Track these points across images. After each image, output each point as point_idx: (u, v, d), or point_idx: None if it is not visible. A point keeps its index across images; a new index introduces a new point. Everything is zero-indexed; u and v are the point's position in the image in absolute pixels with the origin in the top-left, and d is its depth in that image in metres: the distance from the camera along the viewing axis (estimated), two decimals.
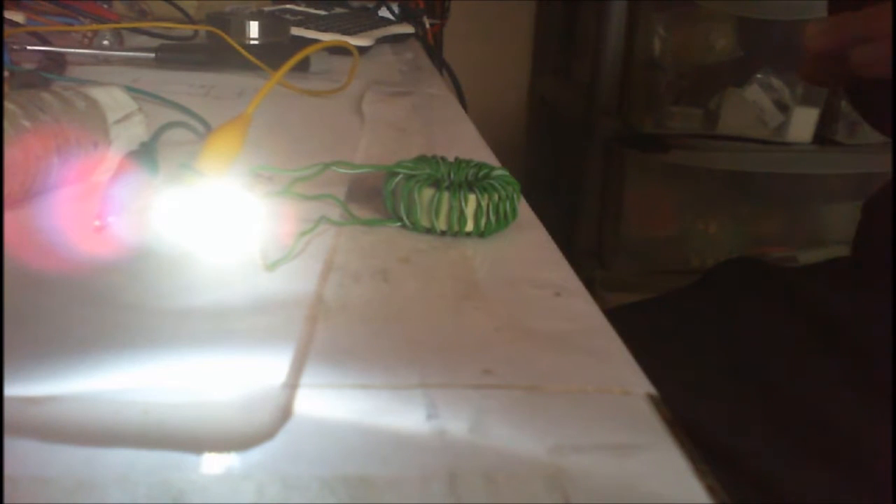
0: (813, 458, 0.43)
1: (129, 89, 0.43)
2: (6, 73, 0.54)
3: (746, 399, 0.47)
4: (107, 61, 0.69)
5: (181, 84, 0.63)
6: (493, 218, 0.35)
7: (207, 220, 0.32)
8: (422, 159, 0.37)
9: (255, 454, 0.19)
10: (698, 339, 0.54)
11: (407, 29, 0.99)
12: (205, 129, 0.48)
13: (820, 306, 0.51)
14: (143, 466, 0.19)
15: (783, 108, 1.41)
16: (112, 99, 0.40)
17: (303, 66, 0.71)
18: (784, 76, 1.40)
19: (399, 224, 0.35)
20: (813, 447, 0.43)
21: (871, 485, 0.41)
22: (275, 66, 0.52)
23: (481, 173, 0.37)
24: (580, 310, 0.29)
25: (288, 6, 0.94)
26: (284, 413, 0.21)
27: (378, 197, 0.37)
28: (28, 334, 0.24)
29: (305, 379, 0.23)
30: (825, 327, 0.49)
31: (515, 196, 0.35)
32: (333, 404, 0.22)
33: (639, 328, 0.42)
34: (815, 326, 0.50)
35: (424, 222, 0.35)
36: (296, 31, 0.80)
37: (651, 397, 0.23)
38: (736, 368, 0.49)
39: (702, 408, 0.46)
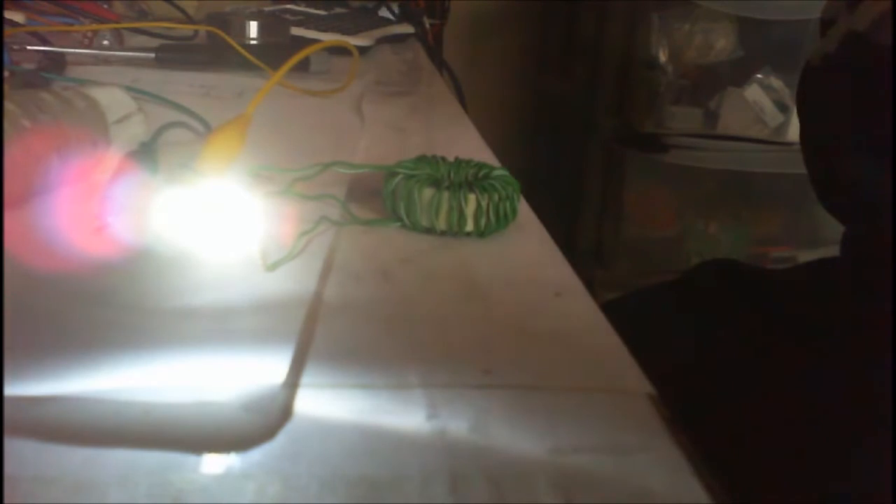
0: (781, 461, 0.43)
1: (129, 89, 0.43)
2: (6, 73, 0.54)
3: (715, 399, 0.47)
4: (107, 61, 0.69)
5: (181, 84, 0.62)
6: (493, 218, 0.35)
7: (207, 220, 0.32)
8: (422, 159, 0.37)
9: (255, 454, 0.19)
10: (671, 339, 0.54)
11: (407, 29, 0.99)
12: (205, 129, 0.48)
13: (788, 308, 0.52)
14: (143, 466, 0.19)
15: (783, 108, 1.41)
16: (112, 99, 0.40)
17: (303, 66, 0.70)
18: (784, 76, 1.40)
19: (399, 224, 0.35)
20: (784, 451, 0.44)
21: (853, 473, 0.41)
22: (275, 66, 0.52)
23: (481, 173, 0.37)
24: (580, 310, 0.29)
25: (288, 6, 0.94)
26: (284, 413, 0.21)
27: (378, 197, 0.37)
28: (28, 334, 0.24)
29: (305, 379, 0.23)
30: (792, 329, 0.50)
31: (515, 196, 0.35)
32: (333, 404, 0.22)
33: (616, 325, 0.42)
34: (782, 328, 0.50)
35: (424, 222, 0.35)
36: (296, 31, 0.80)
37: (651, 397, 0.23)
38: (704, 368, 0.50)
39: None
